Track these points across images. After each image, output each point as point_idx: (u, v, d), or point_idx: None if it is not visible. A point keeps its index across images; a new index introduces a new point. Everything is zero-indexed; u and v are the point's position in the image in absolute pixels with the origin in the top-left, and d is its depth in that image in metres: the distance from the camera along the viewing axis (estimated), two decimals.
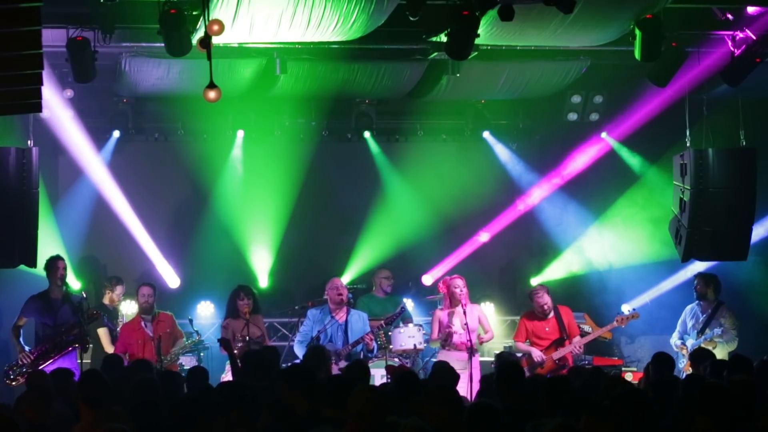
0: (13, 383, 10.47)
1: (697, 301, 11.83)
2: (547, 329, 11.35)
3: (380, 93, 12.55)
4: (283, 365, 11.28)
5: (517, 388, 6.94)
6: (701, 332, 11.57)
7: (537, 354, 11.18)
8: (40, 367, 10.44)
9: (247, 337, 10.82)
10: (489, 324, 11.45)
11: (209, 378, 8.69)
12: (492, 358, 12.45)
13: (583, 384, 7.68)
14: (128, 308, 12.28)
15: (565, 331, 11.32)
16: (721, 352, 11.07)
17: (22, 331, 10.91)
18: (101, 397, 6.89)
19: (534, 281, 13.97)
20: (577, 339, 11.31)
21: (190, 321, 11.63)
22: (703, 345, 11.24)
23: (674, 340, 11.80)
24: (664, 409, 6.72)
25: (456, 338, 11.07)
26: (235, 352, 9.96)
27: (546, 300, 11.36)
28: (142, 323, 11.09)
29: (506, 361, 8.77)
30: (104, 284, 12.23)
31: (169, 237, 13.55)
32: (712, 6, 10.87)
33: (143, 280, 12.00)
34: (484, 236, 13.93)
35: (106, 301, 12.05)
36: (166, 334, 11.00)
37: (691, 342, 11.55)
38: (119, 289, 11.98)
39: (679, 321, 11.88)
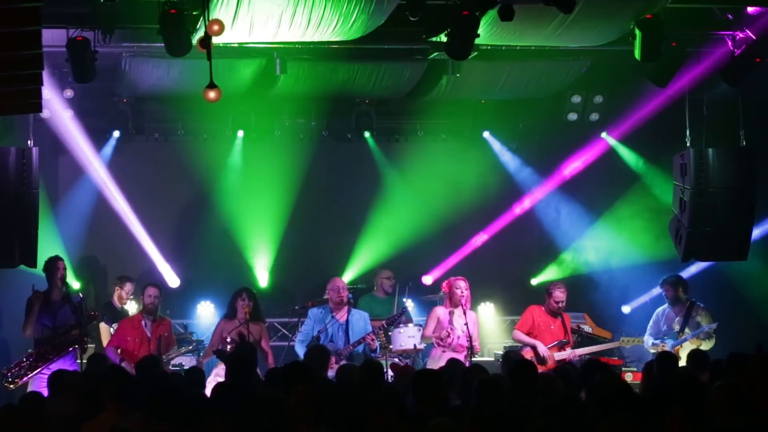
0: (11, 386, 10.41)
1: (668, 304, 11.84)
2: (552, 327, 11.27)
3: (380, 93, 12.55)
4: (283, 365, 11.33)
5: (531, 388, 6.94)
6: (681, 332, 11.56)
7: (542, 349, 11.08)
8: (39, 369, 10.43)
9: (237, 339, 10.70)
10: (477, 334, 11.33)
11: (205, 378, 8.72)
12: (491, 358, 12.49)
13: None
14: (134, 308, 12.29)
15: (568, 334, 11.31)
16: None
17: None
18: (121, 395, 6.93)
19: (534, 281, 13.98)
20: (583, 349, 11.28)
21: (185, 327, 11.61)
22: (688, 344, 11.25)
23: (649, 341, 11.74)
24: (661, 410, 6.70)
25: (454, 340, 11.05)
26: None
27: (564, 297, 11.28)
28: (143, 322, 11.04)
29: (520, 360, 8.72)
30: (113, 282, 12.24)
31: (169, 237, 13.55)
32: (712, 6, 10.87)
33: (144, 280, 12.00)
34: (480, 239, 13.94)
35: (114, 299, 12.05)
36: (164, 337, 10.95)
37: (671, 343, 11.52)
38: (128, 287, 11.98)
39: (650, 324, 11.82)
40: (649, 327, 11.85)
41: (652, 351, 11.55)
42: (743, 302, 12.59)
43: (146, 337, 10.90)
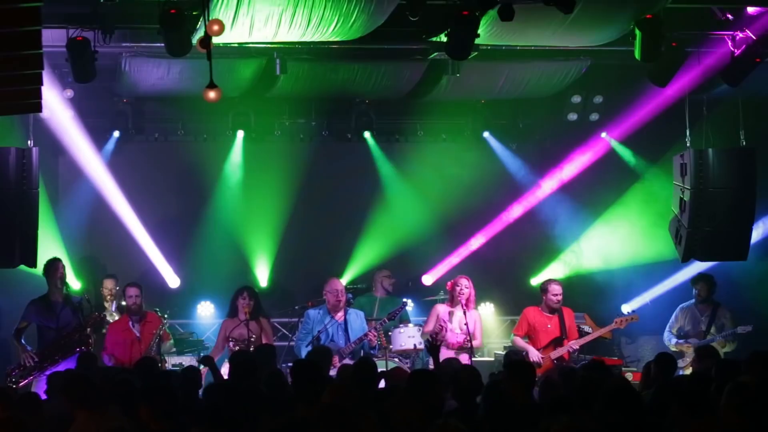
0: (14, 387, 10.39)
1: (693, 302, 11.81)
2: (548, 326, 11.26)
3: (380, 93, 12.55)
4: (284, 365, 11.32)
5: (528, 387, 6.93)
6: (707, 333, 11.55)
7: (534, 354, 11.08)
8: (45, 371, 10.40)
9: (241, 339, 10.69)
10: (479, 332, 11.34)
11: (202, 377, 8.74)
12: (490, 358, 12.50)
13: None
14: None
15: (565, 331, 11.27)
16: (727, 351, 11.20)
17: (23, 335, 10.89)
18: (90, 397, 6.91)
19: (534, 281, 13.97)
20: (578, 341, 11.28)
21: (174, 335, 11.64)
22: (715, 344, 11.22)
23: (671, 339, 11.73)
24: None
25: (450, 337, 11.06)
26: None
27: (560, 290, 11.25)
28: (130, 323, 11.00)
29: (517, 360, 8.72)
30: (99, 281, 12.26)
31: (169, 237, 13.53)
32: (712, 6, 10.88)
33: (144, 280, 12.00)
34: (479, 240, 13.95)
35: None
36: (152, 335, 10.90)
37: (695, 342, 11.49)
38: (109, 284, 11.98)
39: (672, 322, 11.79)
40: (669, 324, 11.80)
41: (674, 349, 11.55)
42: (743, 302, 12.58)
43: (135, 338, 10.87)
